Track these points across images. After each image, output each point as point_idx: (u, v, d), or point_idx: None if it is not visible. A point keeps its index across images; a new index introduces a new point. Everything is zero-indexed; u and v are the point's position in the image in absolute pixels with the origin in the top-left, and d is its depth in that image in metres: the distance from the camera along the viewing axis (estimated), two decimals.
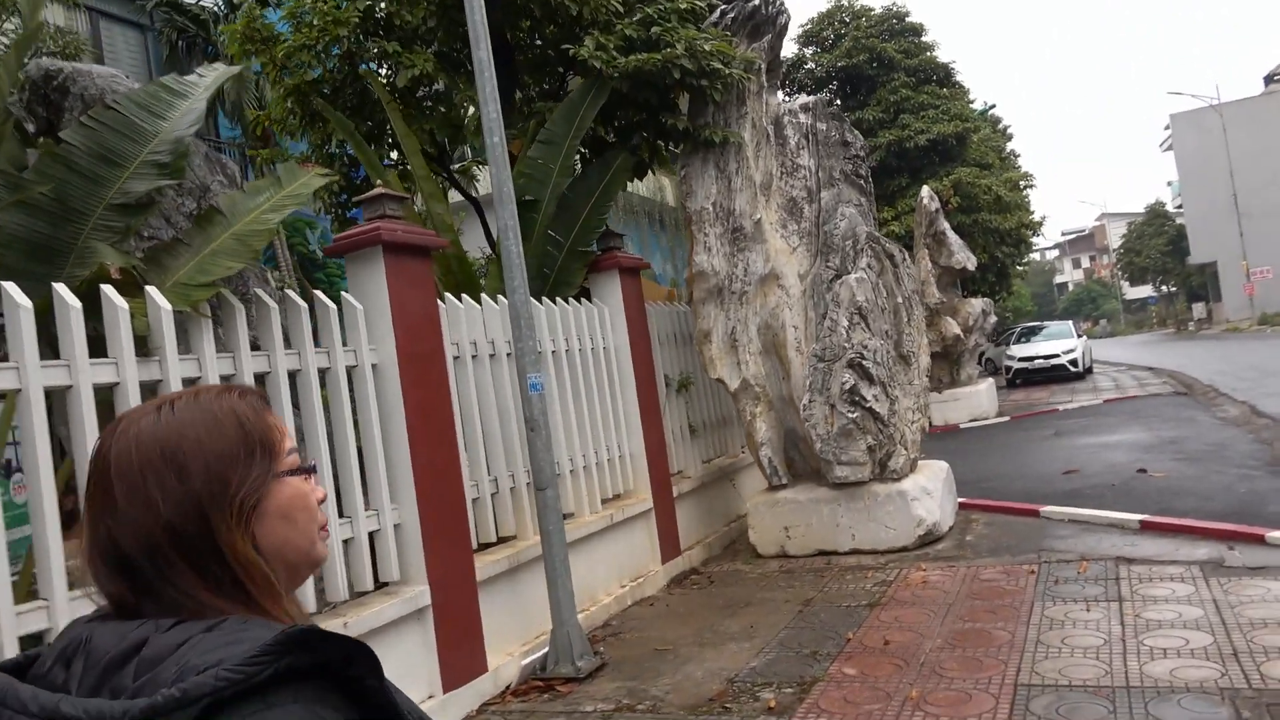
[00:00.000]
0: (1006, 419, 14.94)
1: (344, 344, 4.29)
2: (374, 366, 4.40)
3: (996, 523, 7.09)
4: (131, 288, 3.43)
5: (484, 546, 5.01)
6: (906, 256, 7.34)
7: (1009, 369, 22.55)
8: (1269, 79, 51.27)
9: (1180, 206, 53.72)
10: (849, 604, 5.46)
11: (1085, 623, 4.56)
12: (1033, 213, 21.61)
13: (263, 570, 0.90)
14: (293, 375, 3.99)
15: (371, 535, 4.24)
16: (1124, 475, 8.43)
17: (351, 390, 4.36)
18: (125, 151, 3.78)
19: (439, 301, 4.82)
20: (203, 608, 0.86)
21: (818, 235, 7.15)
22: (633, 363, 6.57)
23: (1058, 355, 21.84)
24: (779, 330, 6.92)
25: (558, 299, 6.06)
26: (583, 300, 6.35)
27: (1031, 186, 20.94)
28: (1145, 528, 6.28)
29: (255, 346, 3.86)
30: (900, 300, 7.07)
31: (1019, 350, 22.78)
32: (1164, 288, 64.19)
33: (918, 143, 17.31)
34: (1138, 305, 78.34)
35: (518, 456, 5.27)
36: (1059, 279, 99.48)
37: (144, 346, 3.37)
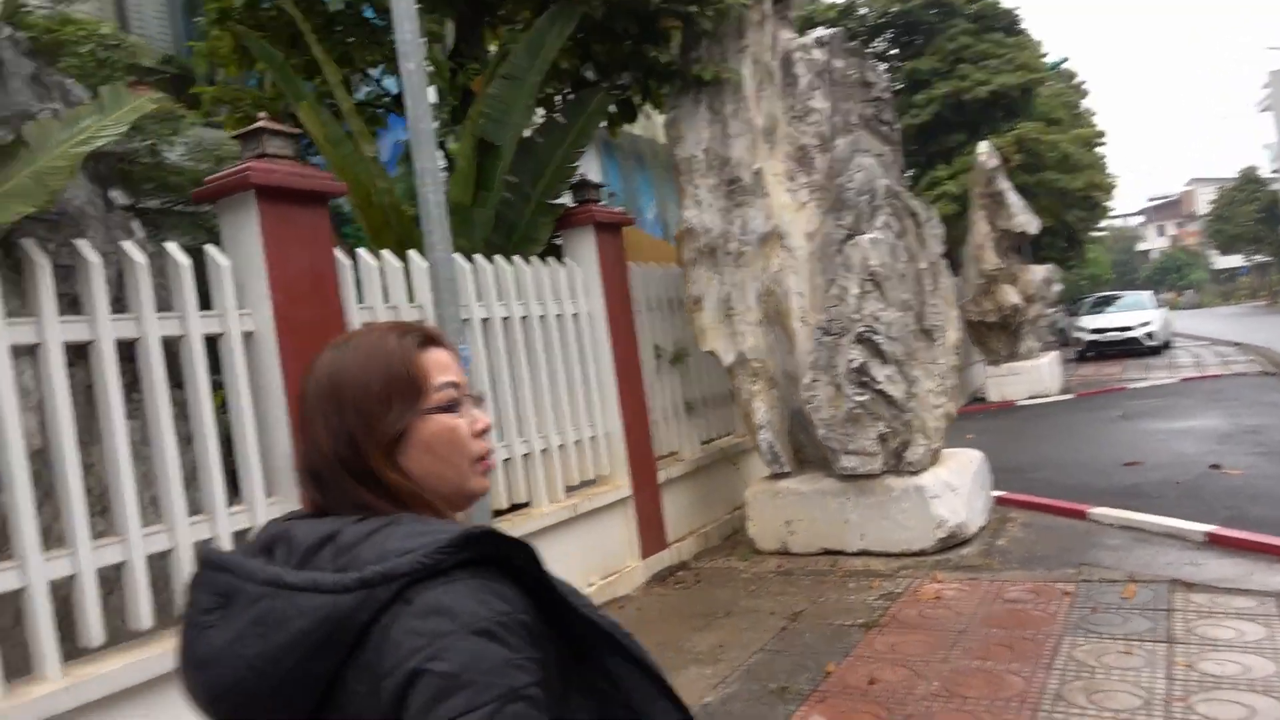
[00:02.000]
0: (1070, 396, 13.69)
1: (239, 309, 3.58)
2: (249, 335, 3.66)
3: (1036, 524, 6.10)
4: None
5: None
6: (933, 215, 6.31)
7: (1080, 341, 21.01)
8: None
9: (1277, 171, 50.12)
10: (842, 622, 4.59)
11: (1122, 672, 3.62)
12: (1107, 173, 19.89)
13: (411, 491, 1.03)
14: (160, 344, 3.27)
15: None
16: (1193, 471, 7.31)
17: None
18: None
19: (342, 259, 4.04)
20: (376, 511, 1.00)
21: (831, 190, 6.17)
22: (609, 331, 5.73)
23: (1132, 328, 20.23)
24: (782, 298, 5.99)
25: (514, 259, 5.24)
26: (549, 260, 5.51)
27: (1103, 144, 19.16)
28: (1212, 541, 5.24)
29: (76, 309, 3.14)
30: (924, 266, 6.07)
31: (1091, 321, 21.19)
32: (1256, 257, 60.35)
33: (977, 95, 15.83)
34: (1226, 276, 74.07)
35: None
36: (1142, 247, 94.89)
37: None
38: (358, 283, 4.19)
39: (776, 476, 6.13)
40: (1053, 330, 30.96)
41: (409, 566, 0.88)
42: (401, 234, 5.14)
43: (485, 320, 4.94)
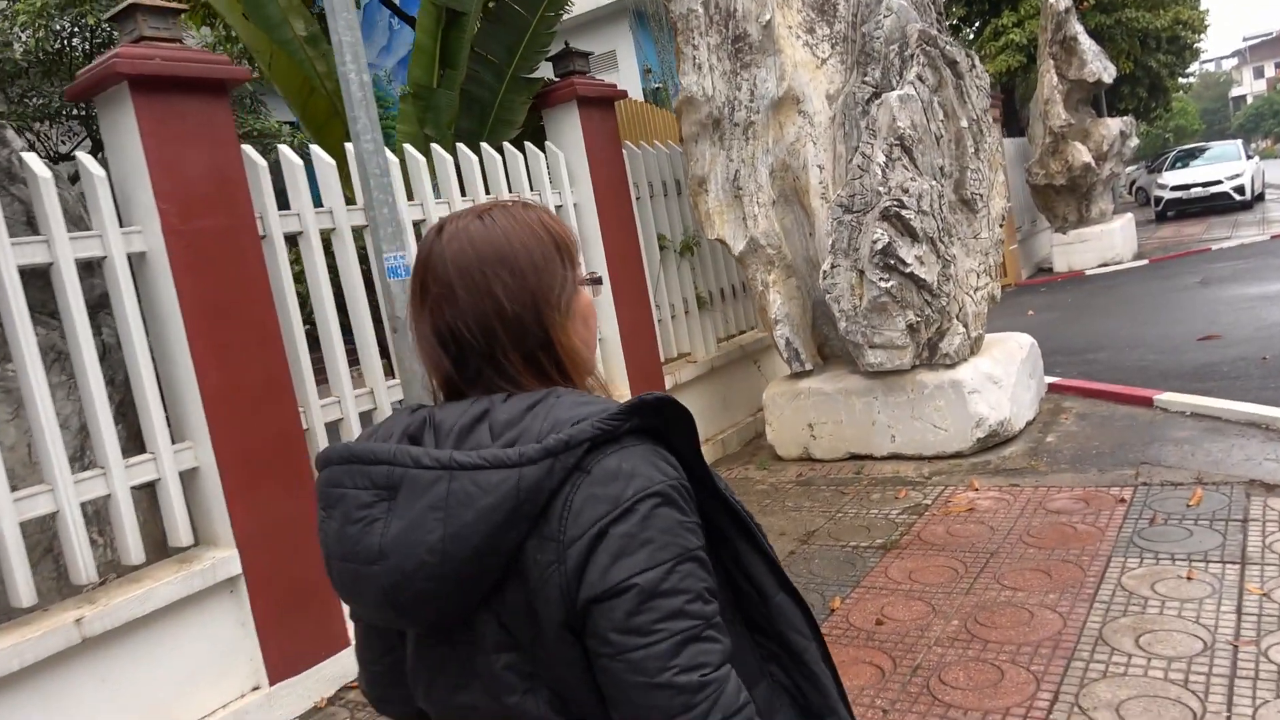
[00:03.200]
0: (1144, 262, 12.59)
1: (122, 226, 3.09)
2: (139, 256, 3.17)
3: (1093, 415, 5.42)
4: None
5: None
6: (976, 62, 5.41)
7: (1159, 200, 19.42)
8: None
9: None
10: (858, 543, 4.07)
11: (1180, 605, 3.04)
12: (1198, 7, 17.84)
13: (582, 355, 1.03)
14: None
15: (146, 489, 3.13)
16: None
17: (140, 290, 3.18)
18: None
19: (253, 158, 3.48)
20: (520, 386, 0.97)
21: (856, 40, 5.32)
22: (600, 223, 5.11)
23: (1220, 181, 18.53)
24: (799, 172, 5.26)
25: (484, 145, 4.61)
26: (526, 145, 4.86)
27: None
28: None
29: None
30: (965, 124, 5.23)
31: (1173, 177, 19.48)
32: None
33: None
34: None
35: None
36: (1236, 92, 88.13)
37: None
38: (282, 185, 3.64)
39: (797, 375, 5.54)
40: (1131, 189, 29.03)
41: (591, 432, 0.89)
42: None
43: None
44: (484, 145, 4.59)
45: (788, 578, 1.06)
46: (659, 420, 0.94)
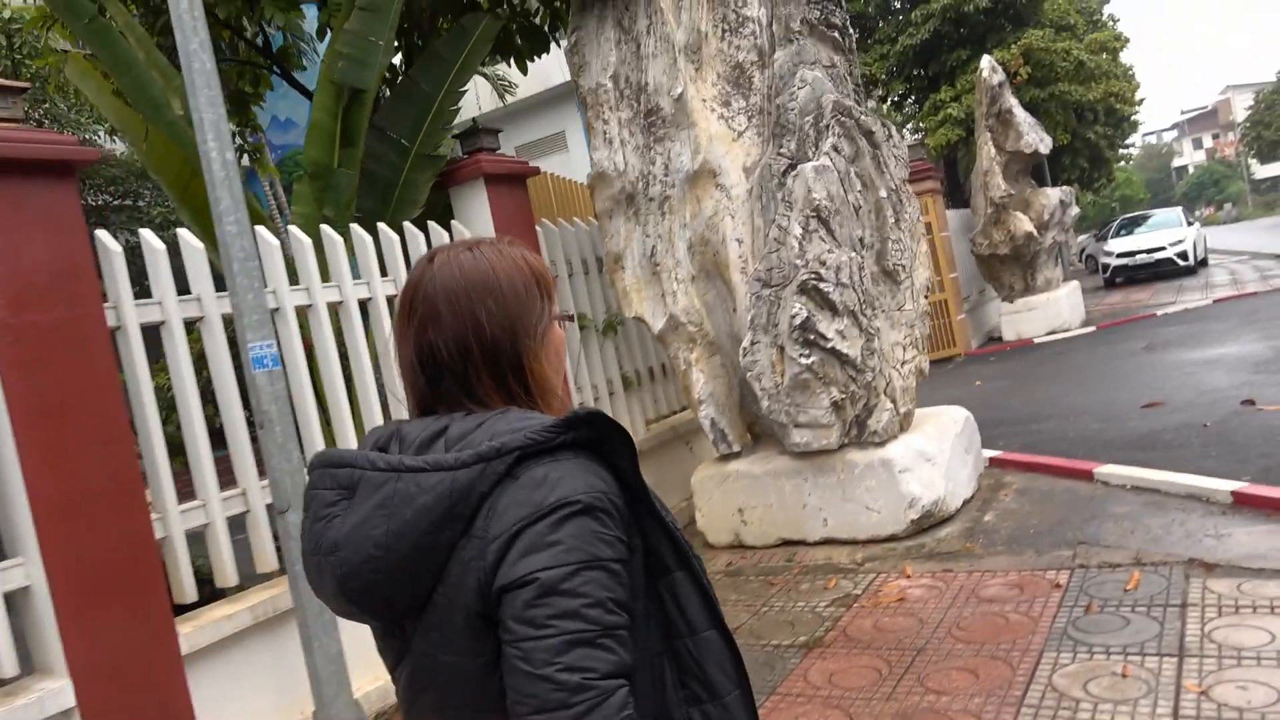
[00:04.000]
0: (1092, 329, 12.61)
1: None
2: None
3: (1033, 490, 5.21)
4: None
5: (214, 597, 3.52)
6: (893, 132, 5.34)
7: (1106, 267, 19.69)
8: None
9: None
10: (780, 641, 3.77)
11: (1115, 706, 2.76)
12: (1131, 80, 18.41)
13: (550, 381, 1.10)
14: None
15: None
16: (1223, 408, 6.34)
17: None
18: None
19: (108, 245, 3.23)
20: (487, 406, 1.05)
21: (771, 113, 5.23)
22: None
23: (1164, 248, 18.85)
24: (719, 246, 5.10)
25: (380, 226, 4.40)
26: (429, 224, 4.66)
27: (1123, 47, 17.54)
28: (1240, 502, 4.33)
29: None
30: (884, 194, 5.12)
31: (1119, 245, 19.80)
32: None
33: (978, 4, 14.44)
34: (1268, 185, 71.09)
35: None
36: (1178, 162, 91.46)
37: None
38: (143, 271, 3.39)
39: (726, 457, 5.29)
40: (1081, 257, 29.57)
41: (521, 441, 0.95)
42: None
43: (339, 304, 4.12)
44: (381, 226, 4.38)
45: (721, 615, 1.07)
46: (595, 434, 0.99)
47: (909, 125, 16.31)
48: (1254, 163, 68.58)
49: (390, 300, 4.34)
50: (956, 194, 16.36)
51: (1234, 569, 3.61)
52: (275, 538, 3.54)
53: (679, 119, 5.10)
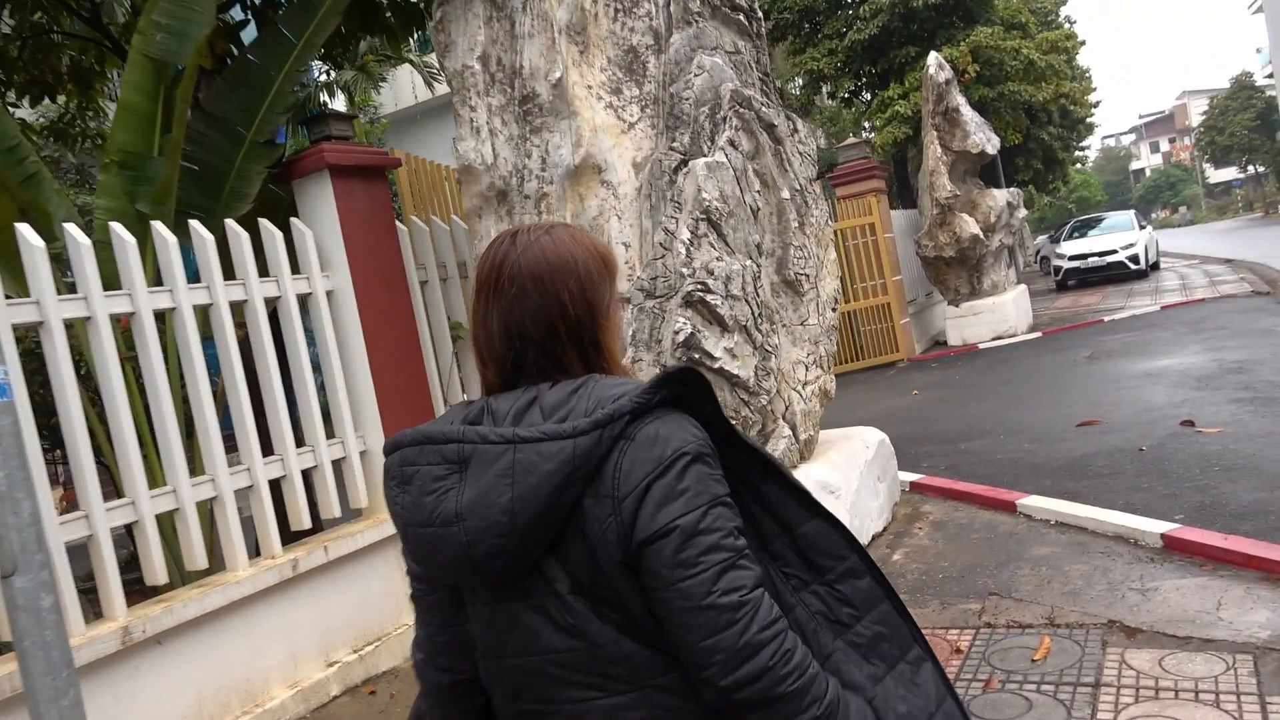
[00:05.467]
0: (1038, 335, 12.24)
1: None
2: None
3: (951, 523, 4.71)
4: None
5: None
6: (799, 125, 4.81)
7: (1058, 269, 19.45)
8: None
9: (1271, 76, 47.90)
10: None
11: None
12: (1084, 82, 18.12)
13: (616, 353, 1.22)
14: None
15: None
16: (1161, 429, 5.90)
17: None
18: None
19: None
20: (568, 374, 1.15)
21: (666, 102, 4.67)
22: (360, 315, 4.28)
23: (1115, 251, 18.63)
24: None
25: (193, 225, 3.77)
26: (262, 224, 4.04)
27: (1076, 47, 17.22)
28: (1169, 547, 3.85)
29: None
30: (786, 195, 4.59)
31: (1070, 247, 19.57)
32: (1251, 168, 58.37)
33: (928, 0, 13.97)
34: (1221, 189, 72.16)
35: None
36: (1136, 165, 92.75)
37: None
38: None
39: None
40: (1037, 259, 29.45)
41: (630, 406, 1.06)
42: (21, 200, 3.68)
43: (132, 315, 3.49)
44: (193, 224, 3.76)
45: (818, 504, 1.19)
46: (683, 390, 1.12)
47: (859, 123, 15.87)
48: (1208, 167, 69.58)
49: (201, 308, 3.73)
50: (907, 194, 15.96)
51: (1157, 635, 3.11)
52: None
53: (558, 107, 4.52)
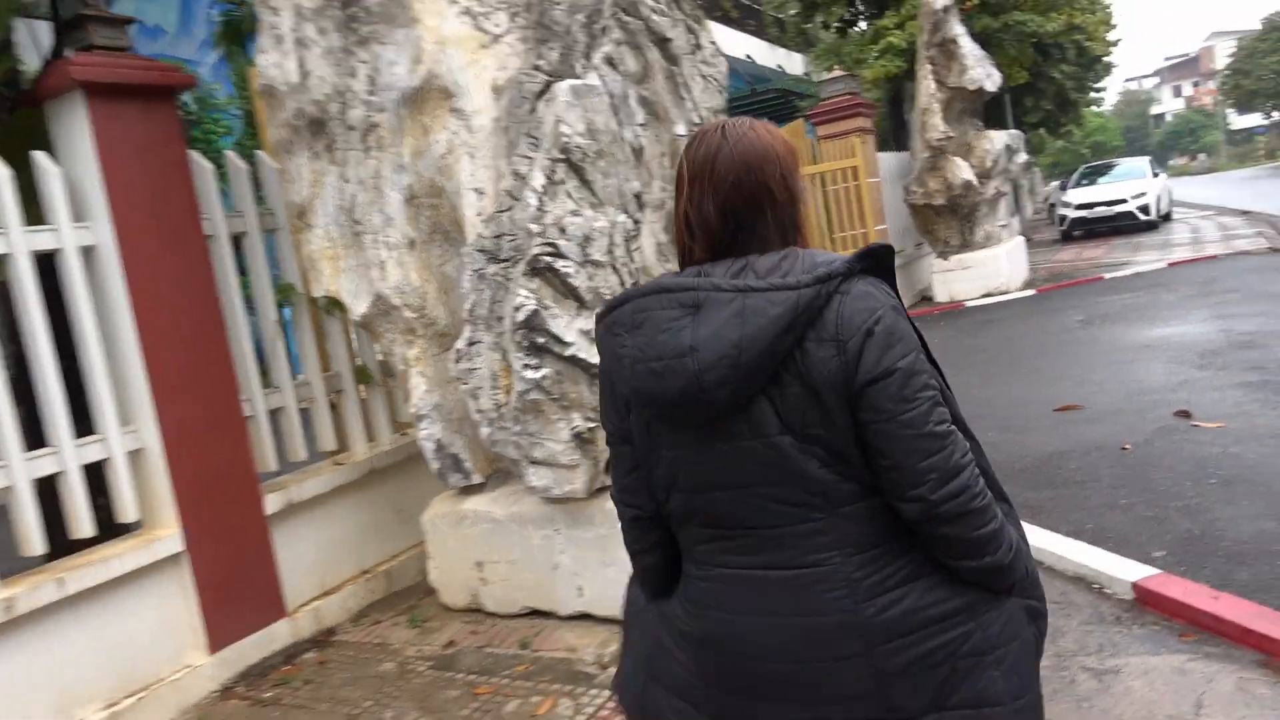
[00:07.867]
0: (1031, 293, 11.24)
1: None
2: None
3: None
4: None
5: None
6: (702, 41, 3.81)
7: (1064, 219, 18.29)
8: None
9: None
10: None
11: None
12: (1101, 10, 16.69)
13: (810, 230, 1.41)
14: None
15: None
16: (1151, 420, 4.98)
17: None
18: None
19: None
20: (771, 248, 1.31)
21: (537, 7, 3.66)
22: (127, 277, 3.36)
23: (1124, 200, 17.45)
24: (453, 197, 3.58)
25: None
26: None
27: None
28: (1144, 601, 2.98)
29: None
30: (682, 131, 3.62)
31: (1077, 196, 18.38)
32: (1276, 114, 56.22)
33: None
34: (1243, 136, 69.82)
35: None
36: (1157, 110, 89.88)
37: None
38: None
39: (466, 490, 3.85)
40: (1048, 210, 28.10)
41: (844, 268, 1.23)
42: None
43: None
44: None
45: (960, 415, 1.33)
46: (876, 262, 1.29)
47: (858, 59, 14.60)
48: (1232, 113, 67.18)
49: None
50: (902, 134, 14.77)
51: None
52: None
53: (392, 11, 3.53)
